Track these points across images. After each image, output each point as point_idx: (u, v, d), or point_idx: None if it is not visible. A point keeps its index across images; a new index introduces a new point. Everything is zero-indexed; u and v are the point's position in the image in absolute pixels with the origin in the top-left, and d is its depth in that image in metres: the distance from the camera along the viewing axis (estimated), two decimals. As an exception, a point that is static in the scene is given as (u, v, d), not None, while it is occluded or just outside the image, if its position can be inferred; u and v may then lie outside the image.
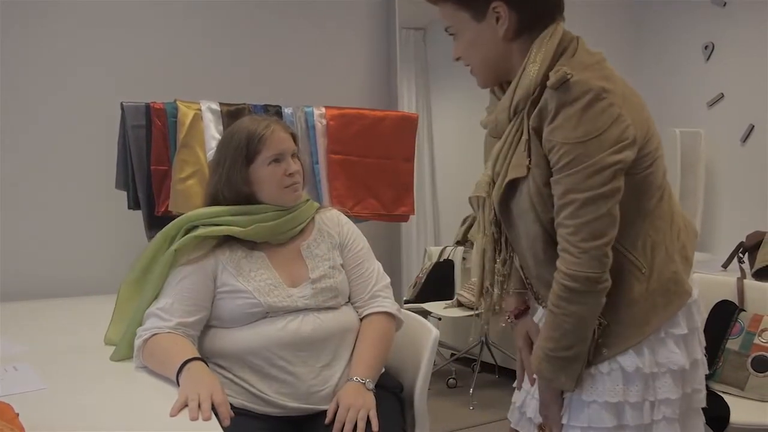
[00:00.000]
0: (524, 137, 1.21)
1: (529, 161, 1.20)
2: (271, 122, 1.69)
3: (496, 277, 1.36)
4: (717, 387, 2.21)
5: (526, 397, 1.46)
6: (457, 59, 1.33)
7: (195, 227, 1.63)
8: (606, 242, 1.16)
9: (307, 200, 1.77)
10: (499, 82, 1.34)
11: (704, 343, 1.35)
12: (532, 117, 1.19)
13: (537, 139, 1.20)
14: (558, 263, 1.20)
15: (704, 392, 1.35)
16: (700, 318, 1.33)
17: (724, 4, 3.51)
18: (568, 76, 1.12)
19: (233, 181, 1.65)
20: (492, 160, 1.31)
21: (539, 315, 1.49)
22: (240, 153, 1.64)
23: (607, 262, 1.17)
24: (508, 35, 1.24)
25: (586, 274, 1.16)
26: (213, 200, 1.69)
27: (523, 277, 1.43)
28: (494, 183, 1.30)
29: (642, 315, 1.24)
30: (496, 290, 1.37)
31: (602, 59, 1.22)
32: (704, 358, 1.34)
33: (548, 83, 1.15)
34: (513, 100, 1.23)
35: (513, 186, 1.25)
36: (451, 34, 1.31)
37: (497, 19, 1.23)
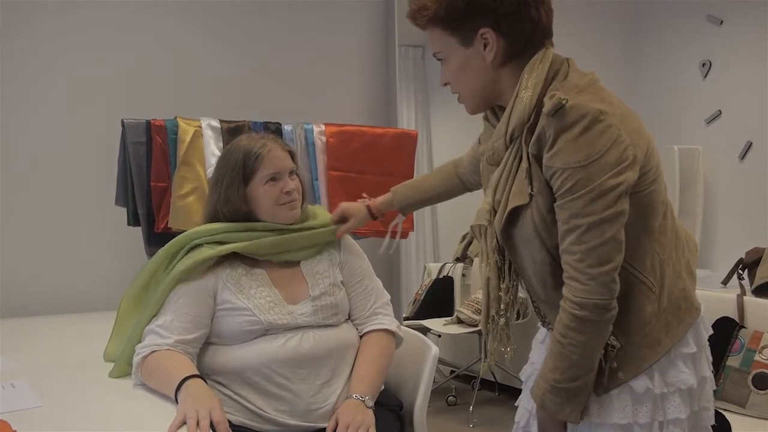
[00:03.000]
0: (524, 164, 1.20)
1: (531, 188, 1.19)
2: (268, 141, 1.69)
3: (501, 305, 1.35)
4: (718, 404, 2.19)
5: (530, 417, 1.45)
6: (445, 84, 1.33)
7: (197, 245, 1.63)
8: (613, 267, 1.15)
9: (321, 223, 1.76)
10: (488, 107, 1.33)
11: (711, 359, 1.34)
12: (531, 144, 1.19)
13: (538, 167, 1.19)
14: (564, 291, 1.18)
15: (712, 410, 1.33)
16: (707, 334, 1.32)
17: (721, 23, 3.53)
18: (563, 102, 1.12)
19: (231, 199, 1.65)
20: (491, 187, 1.30)
21: (542, 335, 1.48)
22: (237, 172, 1.65)
23: (615, 288, 1.16)
24: (496, 61, 1.23)
25: (595, 301, 1.14)
26: (212, 218, 1.69)
27: (530, 300, 1.42)
28: (495, 211, 1.29)
29: (655, 335, 1.23)
30: (502, 319, 1.35)
31: (595, 79, 1.21)
32: (712, 375, 1.33)
33: (544, 110, 1.14)
34: (509, 127, 1.23)
35: (515, 214, 1.24)
36: (439, 59, 1.31)
37: (485, 46, 1.22)
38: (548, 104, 1.13)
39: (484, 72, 1.26)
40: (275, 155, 1.67)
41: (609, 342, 1.22)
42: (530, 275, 1.30)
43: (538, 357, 1.45)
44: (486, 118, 1.38)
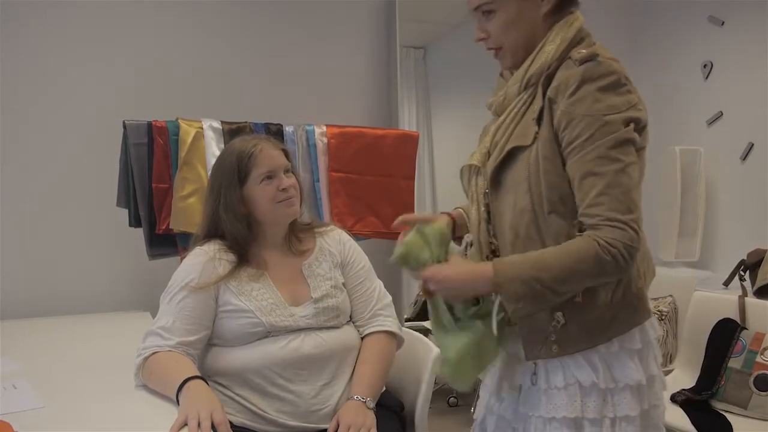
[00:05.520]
0: (537, 106, 1.24)
1: (537, 130, 1.22)
2: (260, 140, 1.70)
3: (492, 247, 1.33)
4: (720, 406, 2.19)
5: (485, 414, 1.45)
6: (481, 39, 1.32)
7: None
8: (639, 217, 1.16)
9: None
10: (524, 62, 1.33)
11: (660, 359, 1.34)
12: (550, 89, 1.22)
13: (549, 112, 1.22)
14: (585, 237, 1.16)
15: (663, 407, 1.33)
16: (655, 334, 1.31)
17: (723, 23, 3.53)
18: (597, 56, 1.18)
19: (230, 202, 1.65)
20: (491, 132, 1.32)
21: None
22: (233, 174, 1.65)
23: (639, 240, 1.15)
24: (548, 13, 1.28)
25: (625, 243, 1.14)
26: (212, 222, 1.69)
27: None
28: (489, 154, 1.31)
29: (599, 322, 1.23)
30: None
31: (618, 61, 1.25)
32: (661, 373, 1.33)
33: (576, 57, 1.19)
34: (527, 74, 1.27)
35: (512, 155, 1.26)
36: (485, 12, 1.30)
37: None
38: (580, 54, 1.19)
39: (535, 23, 1.29)
40: (268, 154, 1.67)
41: (554, 317, 1.23)
42: (505, 224, 1.29)
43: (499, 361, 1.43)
44: (501, 74, 1.42)
